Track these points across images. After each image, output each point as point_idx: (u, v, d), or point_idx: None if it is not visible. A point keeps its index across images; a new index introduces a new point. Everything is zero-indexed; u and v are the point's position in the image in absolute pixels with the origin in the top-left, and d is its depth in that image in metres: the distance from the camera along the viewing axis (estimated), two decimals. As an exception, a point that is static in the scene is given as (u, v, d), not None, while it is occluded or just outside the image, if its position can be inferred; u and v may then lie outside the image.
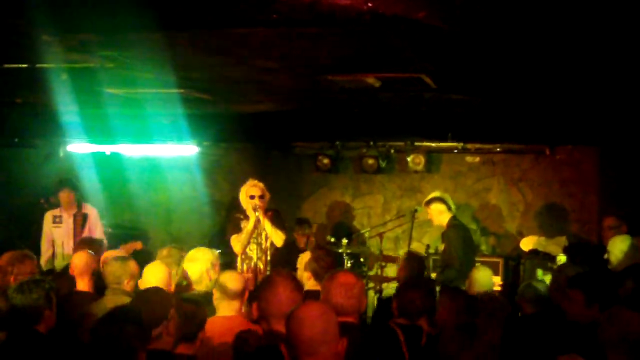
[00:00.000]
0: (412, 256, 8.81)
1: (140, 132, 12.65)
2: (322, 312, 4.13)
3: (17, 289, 5.73)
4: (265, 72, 7.82)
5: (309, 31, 5.93)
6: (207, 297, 6.25)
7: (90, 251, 7.79)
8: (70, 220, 10.62)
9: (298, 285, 5.06)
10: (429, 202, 9.90)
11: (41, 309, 5.70)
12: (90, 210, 10.76)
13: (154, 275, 6.63)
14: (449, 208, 9.77)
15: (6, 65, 7.70)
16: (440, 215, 9.77)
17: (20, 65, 7.64)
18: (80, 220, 10.50)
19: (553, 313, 6.80)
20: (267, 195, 9.33)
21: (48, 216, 10.81)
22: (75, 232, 10.51)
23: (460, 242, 9.53)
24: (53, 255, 10.64)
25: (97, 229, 10.76)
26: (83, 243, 8.90)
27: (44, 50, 6.91)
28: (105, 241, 10.33)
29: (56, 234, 10.69)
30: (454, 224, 9.72)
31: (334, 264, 7.34)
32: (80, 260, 7.52)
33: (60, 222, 10.64)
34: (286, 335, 4.10)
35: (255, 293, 5.45)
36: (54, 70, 7.88)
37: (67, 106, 10.06)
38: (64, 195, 10.63)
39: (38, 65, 7.60)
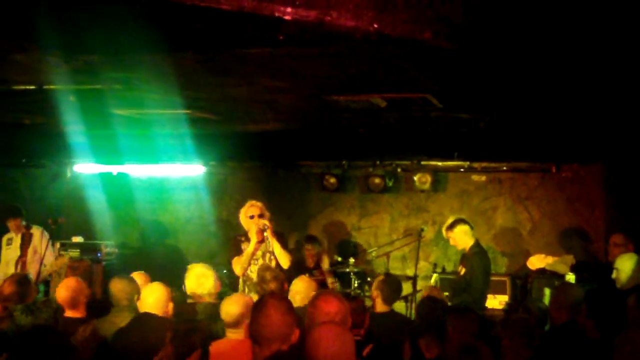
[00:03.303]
0: (389, 278, 8.62)
1: (147, 153, 12.70)
2: (338, 333, 4.16)
3: (24, 310, 5.71)
4: (272, 91, 7.85)
5: (315, 52, 5.96)
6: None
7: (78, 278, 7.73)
8: (19, 239, 11.19)
9: (290, 307, 5.01)
10: (452, 226, 9.76)
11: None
12: (35, 231, 11.22)
13: (152, 295, 6.64)
14: (472, 227, 9.73)
15: (14, 87, 7.75)
16: (465, 236, 9.64)
17: (28, 87, 7.68)
18: (27, 239, 11.04)
19: (555, 333, 6.80)
20: (267, 214, 9.26)
21: (3, 240, 11.41)
22: (22, 251, 11.10)
23: (482, 272, 9.44)
24: None
25: (42, 246, 11.11)
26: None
27: (51, 71, 6.95)
28: (52, 257, 11.04)
29: (7, 256, 11.29)
30: (477, 252, 9.59)
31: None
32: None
33: (11, 244, 11.30)
34: (303, 354, 4.11)
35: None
36: (62, 91, 7.93)
37: (74, 127, 10.12)
38: (11, 223, 11.29)
39: (46, 87, 7.65)
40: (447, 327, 6.45)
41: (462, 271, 9.63)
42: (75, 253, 11.92)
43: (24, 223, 11.20)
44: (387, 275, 8.88)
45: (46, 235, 11.14)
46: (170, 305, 6.69)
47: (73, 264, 9.38)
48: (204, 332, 5.80)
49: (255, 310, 4.97)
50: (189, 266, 7.74)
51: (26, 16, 5.25)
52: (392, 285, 7.87)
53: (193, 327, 5.82)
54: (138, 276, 7.85)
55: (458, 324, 6.39)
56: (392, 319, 7.73)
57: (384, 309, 7.73)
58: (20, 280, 7.83)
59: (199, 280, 7.41)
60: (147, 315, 5.66)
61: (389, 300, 7.76)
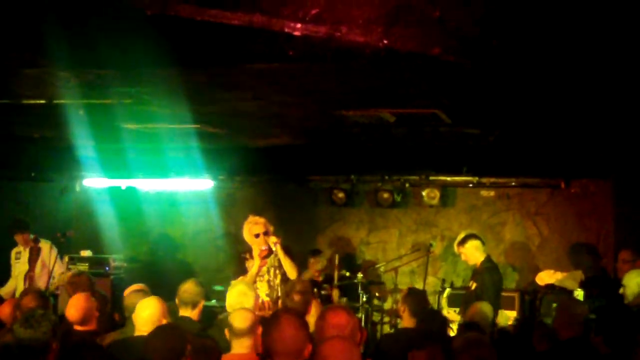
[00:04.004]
0: (413, 291, 8.62)
1: (156, 167, 12.72)
2: (345, 348, 4.16)
3: (23, 322, 5.70)
4: (281, 106, 7.87)
5: (324, 67, 5.97)
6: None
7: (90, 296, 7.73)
8: (27, 253, 11.25)
9: (304, 323, 5.02)
10: (463, 242, 9.74)
11: (49, 342, 5.68)
12: (44, 245, 11.26)
13: (146, 310, 6.59)
14: (483, 243, 9.70)
15: (24, 101, 7.77)
16: (476, 251, 9.61)
17: (38, 101, 7.71)
18: (35, 253, 11.11)
19: (560, 349, 6.79)
20: (271, 228, 9.21)
21: (12, 253, 11.43)
22: (30, 265, 11.17)
23: (493, 288, 9.38)
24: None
25: (50, 260, 11.12)
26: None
27: (61, 86, 6.98)
28: (60, 271, 11.12)
29: (16, 270, 11.31)
30: (488, 267, 9.54)
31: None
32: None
33: (20, 258, 11.34)
34: None
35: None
36: (71, 106, 7.95)
37: (83, 141, 10.14)
38: (18, 237, 11.31)
39: (55, 101, 7.67)
40: (454, 345, 6.44)
41: (473, 286, 9.59)
42: (85, 267, 11.96)
43: (31, 237, 11.22)
44: (411, 288, 8.88)
45: (54, 249, 11.17)
46: (164, 321, 6.66)
47: (72, 279, 9.38)
48: (219, 347, 5.82)
49: (270, 325, 4.97)
50: (232, 282, 7.77)
51: (37, 31, 5.28)
52: (417, 298, 7.85)
53: (211, 341, 5.84)
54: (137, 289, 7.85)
55: (468, 344, 6.37)
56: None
57: (410, 324, 7.68)
58: (40, 294, 7.90)
59: (240, 298, 7.36)
60: (168, 326, 5.68)
61: (416, 313, 7.71)
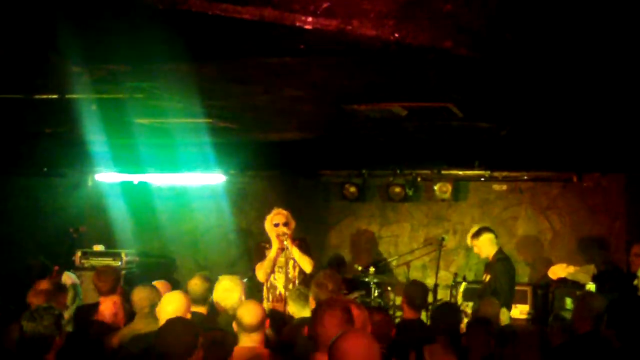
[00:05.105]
0: (412, 283, 8.65)
1: (168, 162, 12.74)
2: (365, 342, 4.17)
3: (28, 316, 5.74)
4: (292, 101, 7.86)
5: (335, 61, 5.96)
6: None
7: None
8: None
9: (349, 317, 5.03)
10: (477, 234, 9.79)
11: (52, 336, 5.71)
12: (66, 279, 10.39)
13: (171, 304, 6.63)
14: (496, 236, 9.75)
15: (36, 96, 7.78)
16: (490, 244, 9.69)
17: (50, 96, 7.71)
18: None
19: (576, 342, 6.77)
20: (293, 223, 9.30)
21: None
22: None
23: (507, 278, 9.46)
24: None
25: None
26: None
27: (73, 81, 6.98)
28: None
29: None
30: (501, 258, 9.62)
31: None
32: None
33: None
34: None
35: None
36: (83, 100, 7.96)
37: (95, 136, 10.14)
38: (43, 284, 10.05)
39: (67, 96, 7.68)
40: (465, 339, 6.47)
41: (487, 279, 9.62)
42: (110, 261, 11.95)
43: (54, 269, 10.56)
44: (412, 281, 8.91)
45: (71, 277, 10.69)
46: (189, 315, 6.70)
47: (101, 269, 9.44)
48: (231, 340, 5.84)
49: (314, 318, 5.00)
50: (220, 277, 7.79)
51: (49, 26, 5.28)
52: (415, 290, 7.91)
53: (223, 334, 5.85)
54: (159, 285, 7.89)
55: (477, 338, 6.39)
56: (417, 327, 7.71)
57: (410, 316, 7.75)
58: (56, 284, 7.95)
59: (224, 293, 7.43)
60: (179, 319, 5.70)
61: (414, 304, 7.77)
